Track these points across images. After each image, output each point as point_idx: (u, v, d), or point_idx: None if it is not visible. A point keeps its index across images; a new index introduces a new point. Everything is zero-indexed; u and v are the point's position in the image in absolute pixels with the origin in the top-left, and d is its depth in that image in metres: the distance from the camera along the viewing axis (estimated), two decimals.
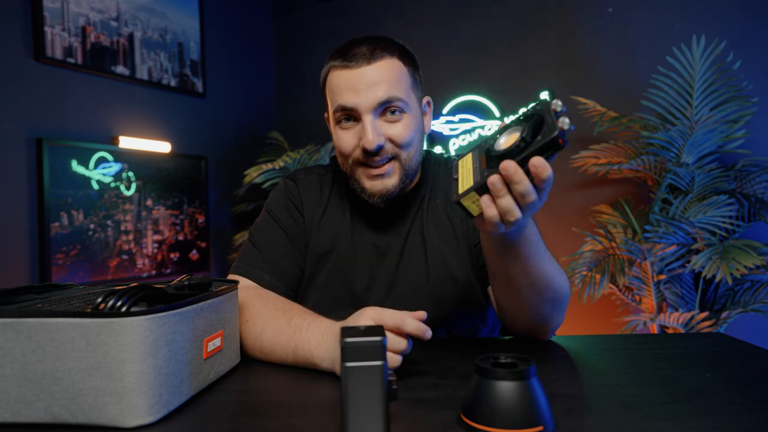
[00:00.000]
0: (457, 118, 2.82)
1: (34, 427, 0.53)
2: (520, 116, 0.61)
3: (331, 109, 0.91)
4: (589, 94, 2.35)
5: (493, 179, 0.59)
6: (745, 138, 2.04)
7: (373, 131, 0.85)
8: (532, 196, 0.59)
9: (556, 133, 0.55)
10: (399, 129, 0.87)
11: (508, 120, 0.64)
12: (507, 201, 0.60)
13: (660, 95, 2.09)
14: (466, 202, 0.62)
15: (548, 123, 0.57)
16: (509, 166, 0.58)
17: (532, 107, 0.60)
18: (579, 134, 2.53)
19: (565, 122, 0.55)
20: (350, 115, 0.87)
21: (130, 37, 2.53)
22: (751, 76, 2.12)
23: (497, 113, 2.73)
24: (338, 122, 0.89)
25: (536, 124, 0.59)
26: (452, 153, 2.80)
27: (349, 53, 0.86)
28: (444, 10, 2.93)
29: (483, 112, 2.78)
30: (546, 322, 0.83)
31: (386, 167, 0.88)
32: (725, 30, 2.22)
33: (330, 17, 3.27)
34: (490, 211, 0.61)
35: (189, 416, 0.56)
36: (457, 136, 2.82)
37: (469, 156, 0.66)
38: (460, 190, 0.62)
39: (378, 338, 0.48)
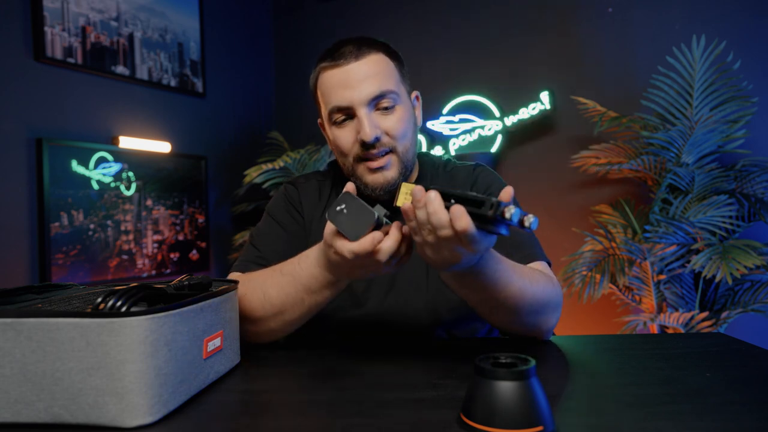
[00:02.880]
0: (457, 118, 2.82)
1: (34, 427, 0.53)
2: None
3: (325, 112, 0.92)
4: (589, 94, 2.35)
5: (416, 189, 0.61)
6: (745, 138, 2.04)
7: (370, 123, 0.86)
8: (445, 230, 0.59)
9: (490, 198, 0.56)
10: (393, 121, 0.89)
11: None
12: (421, 213, 0.61)
13: (660, 95, 2.09)
14: (401, 188, 0.66)
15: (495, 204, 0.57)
16: (420, 194, 0.61)
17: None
18: (579, 134, 2.53)
19: (510, 210, 0.55)
20: (345, 113, 0.89)
21: (130, 37, 2.53)
22: (751, 76, 2.12)
23: (497, 113, 2.73)
24: (334, 123, 0.90)
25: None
26: (452, 153, 2.80)
27: (336, 53, 0.89)
28: (444, 10, 2.93)
29: (483, 112, 2.78)
30: (535, 328, 0.83)
31: (385, 159, 0.89)
32: (725, 30, 2.22)
33: (330, 17, 3.27)
34: (408, 208, 0.62)
35: (189, 416, 0.56)
36: (457, 136, 2.81)
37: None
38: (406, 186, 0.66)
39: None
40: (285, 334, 0.84)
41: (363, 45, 0.89)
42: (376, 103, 0.87)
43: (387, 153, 0.89)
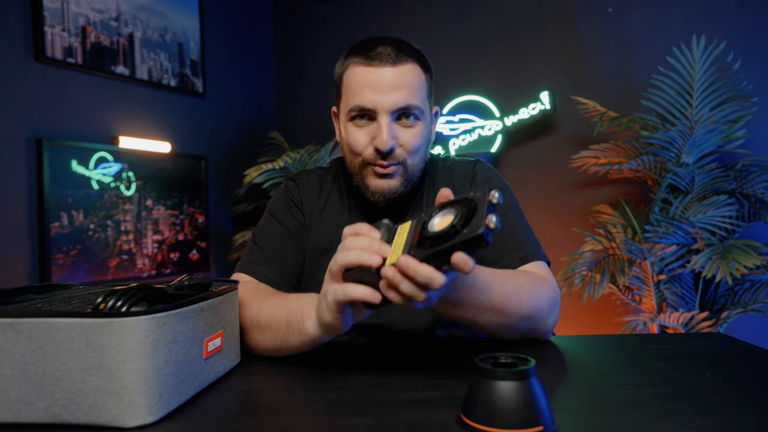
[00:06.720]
0: (457, 118, 2.82)
1: (34, 427, 0.53)
2: (460, 198, 0.59)
3: (345, 106, 0.91)
4: (589, 94, 2.35)
5: (386, 270, 0.57)
6: (745, 138, 2.04)
7: (389, 133, 0.86)
8: (437, 282, 0.55)
9: (480, 231, 0.53)
10: (411, 135, 0.88)
11: (449, 196, 0.61)
12: (406, 286, 0.57)
13: (660, 95, 2.09)
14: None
15: (478, 216, 0.55)
16: (406, 263, 0.56)
17: (473, 193, 0.58)
18: (579, 134, 2.53)
19: (492, 220, 0.53)
20: (366, 114, 0.88)
21: (130, 37, 2.53)
22: (751, 76, 2.12)
23: (497, 113, 2.73)
24: (351, 119, 0.90)
25: (470, 211, 0.57)
26: (452, 153, 2.80)
27: (373, 51, 0.87)
28: (444, 10, 2.93)
29: (483, 112, 2.78)
30: (532, 332, 0.82)
31: (392, 169, 0.89)
32: (725, 30, 2.22)
33: (330, 17, 3.27)
34: (391, 295, 0.58)
35: (189, 416, 0.56)
36: (457, 136, 2.82)
37: (408, 224, 0.63)
38: (388, 262, 0.60)
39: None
40: (270, 354, 0.79)
41: (402, 51, 0.87)
42: (399, 114, 0.87)
43: (396, 164, 0.89)
